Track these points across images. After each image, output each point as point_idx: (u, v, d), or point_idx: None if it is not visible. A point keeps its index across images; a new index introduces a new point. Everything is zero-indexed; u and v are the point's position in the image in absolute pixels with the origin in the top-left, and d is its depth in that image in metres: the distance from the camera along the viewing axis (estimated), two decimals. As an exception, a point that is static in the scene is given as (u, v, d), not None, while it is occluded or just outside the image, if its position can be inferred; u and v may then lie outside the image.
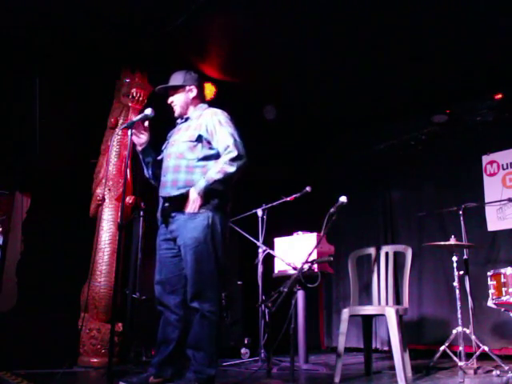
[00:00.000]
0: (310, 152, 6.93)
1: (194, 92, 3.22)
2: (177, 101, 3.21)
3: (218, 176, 2.91)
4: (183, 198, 2.93)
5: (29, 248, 4.66)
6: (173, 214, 3.00)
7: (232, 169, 2.93)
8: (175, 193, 2.97)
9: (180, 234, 2.97)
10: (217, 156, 3.03)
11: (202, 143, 3.04)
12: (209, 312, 2.89)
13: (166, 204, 3.02)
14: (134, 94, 4.64)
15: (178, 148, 3.08)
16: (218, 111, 3.15)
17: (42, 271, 4.55)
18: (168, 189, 3.02)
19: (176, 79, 3.24)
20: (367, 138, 6.63)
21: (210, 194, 2.92)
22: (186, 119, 3.21)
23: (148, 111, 3.17)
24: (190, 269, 2.92)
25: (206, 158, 3.03)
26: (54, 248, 4.64)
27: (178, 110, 3.23)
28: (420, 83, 5.46)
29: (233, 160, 2.94)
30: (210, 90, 5.38)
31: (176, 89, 3.21)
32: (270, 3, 4.22)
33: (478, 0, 4.12)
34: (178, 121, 3.27)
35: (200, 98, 3.26)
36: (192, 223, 2.92)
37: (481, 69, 5.14)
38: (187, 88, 3.20)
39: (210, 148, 3.05)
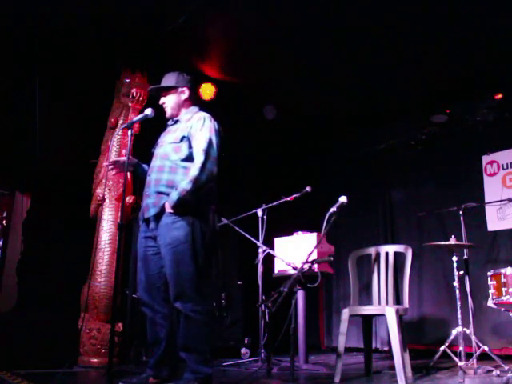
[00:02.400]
0: (310, 152, 6.93)
1: (186, 94, 3.22)
2: (168, 102, 3.22)
3: (189, 186, 2.90)
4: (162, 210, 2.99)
5: (29, 248, 4.66)
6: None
7: (202, 176, 2.94)
8: (153, 212, 3.00)
9: (161, 233, 2.98)
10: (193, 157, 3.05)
11: (185, 144, 3.06)
12: (192, 312, 2.89)
13: (149, 201, 3.04)
14: (134, 94, 4.64)
15: (164, 149, 3.12)
16: (206, 116, 3.14)
17: (42, 271, 4.55)
18: (152, 188, 3.05)
19: (168, 80, 3.25)
20: (367, 138, 6.63)
21: (189, 201, 2.93)
22: (176, 121, 3.23)
23: (148, 111, 3.18)
24: (169, 268, 2.94)
25: (189, 159, 3.03)
26: (54, 248, 4.64)
27: (169, 112, 3.24)
28: (420, 83, 5.46)
29: (202, 167, 2.94)
30: (209, 90, 5.39)
31: (168, 90, 3.22)
32: (269, 3, 4.22)
33: (478, 0, 4.12)
34: (169, 122, 3.29)
35: (192, 100, 3.27)
36: (173, 224, 2.94)
37: (481, 69, 5.14)
38: (179, 90, 3.21)
39: (192, 149, 3.06)
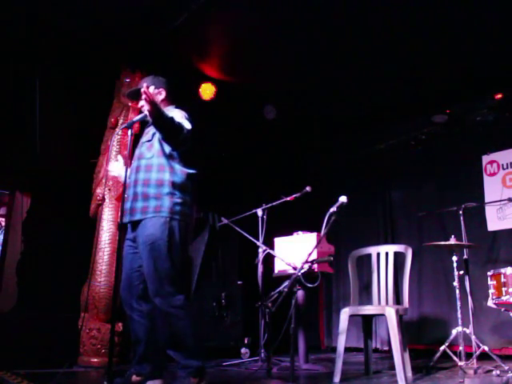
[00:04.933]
0: (309, 152, 6.93)
1: (163, 94, 3.28)
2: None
3: (170, 119, 2.89)
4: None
5: (29, 248, 4.66)
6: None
7: (180, 130, 2.95)
8: (139, 217, 3.01)
9: (139, 232, 3.02)
10: (169, 154, 3.07)
11: (156, 140, 3.10)
12: (172, 307, 2.91)
13: (137, 205, 3.05)
14: (134, 94, 4.63)
15: (140, 149, 3.19)
16: (176, 111, 3.18)
17: (41, 271, 4.55)
18: (131, 189, 3.09)
19: (145, 83, 3.28)
20: (367, 138, 6.63)
21: (170, 200, 2.98)
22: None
23: (148, 111, 3.18)
24: (147, 266, 2.97)
25: (161, 154, 3.07)
26: (53, 248, 4.64)
27: (148, 113, 3.26)
28: (420, 83, 5.46)
29: (185, 130, 2.98)
30: (209, 90, 5.39)
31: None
32: (269, 3, 4.22)
33: (478, 0, 4.12)
34: (147, 125, 3.33)
35: (168, 100, 3.31)
36: (150, 222, 2.97)
37: (481, 69, 5.14)
38: (156, 91, 3.26)
39: (164, 143, 3.07)
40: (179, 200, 3.03)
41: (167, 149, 3.08)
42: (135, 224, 3.05)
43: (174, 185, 3.03)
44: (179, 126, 2.97)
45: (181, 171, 3.08)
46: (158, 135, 3.09)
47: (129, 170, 3.34)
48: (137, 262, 3.07)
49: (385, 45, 4.77)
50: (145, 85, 2.81)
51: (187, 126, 3.04)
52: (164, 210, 2.98)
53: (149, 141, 3.14)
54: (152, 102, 2.79)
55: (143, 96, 2.77)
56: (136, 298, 3.05)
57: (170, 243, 2.96)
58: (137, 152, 3.22)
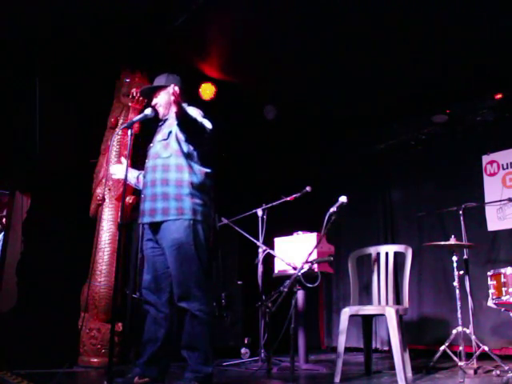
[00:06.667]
0: (309, 152, 6.93)
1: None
2: (160, 101, 3.27)
3: (194, 120, 2.94)
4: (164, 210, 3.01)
5: (29, 248, 4.66)
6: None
7: (204, 130, 3.01)
8: (160, 219, 3.00)
9: (162, 236, 3.01)
10: (188, 153, 3.07)
11: (173, 139, 3.09)
12: (199, 311, 2.92)
13: (157, 206, 3.04)
14: (134, 94, 4.63)
15: (155, 148, 3.17)
16: (191, 108, 3.18)
17: (41, 271, 4.55)
18: (148, 189, 3.08)
19: (159, 81, 3.32)
20: (367, 138, 6.63)
21: (191, 201, 2.98)
22: (165, 120, 3.26)
23: (148, 111, 3.19)
24: (174, 269, 2.97)
25: (179, 154, 3.07)
26: (54, 248, 4.64)
27: (161, 111, 3.28)
28: (420, 83, 5.46)
29: (208, 130, 3.03)
30: (209, 90, 5.39)
31: (159, 90, 3.28)
32: (269, 3, 4.22)
33: (478, 0, 4.12)
34: (160, 123, 3.33)
35: (181, 98, 3.28)
36: (173, 225, 2.96)
37: (481, 69, 5.14)
38: (169, 88, 3.23)
39: (182, 143, 3.08)
40: (199, 201, 3.03)
41: (186, 148, 3.07)
42: (156, 225, 3.03)
43: (193, 185, 3.02)
44: (202, 126, 2.99)
45: (199, 171, 3.08)
46: (174, 134, 3.08)
47: (130, 170, 3.35)
48: (164, 264, 3.05)
49: (385, 44, 4.77)
50: (172, 85, 2.86)
51: (208, 125, 3.05)
52: (186, 213, 2.97)
53: (164, 139, 3.12)
54: (179, 104, 2.80)
55: (172, 98, 2.80)
56: (163, 301, 3.04)
57: (196, 246, 2.97)
58: (151, 151, 3.19)
